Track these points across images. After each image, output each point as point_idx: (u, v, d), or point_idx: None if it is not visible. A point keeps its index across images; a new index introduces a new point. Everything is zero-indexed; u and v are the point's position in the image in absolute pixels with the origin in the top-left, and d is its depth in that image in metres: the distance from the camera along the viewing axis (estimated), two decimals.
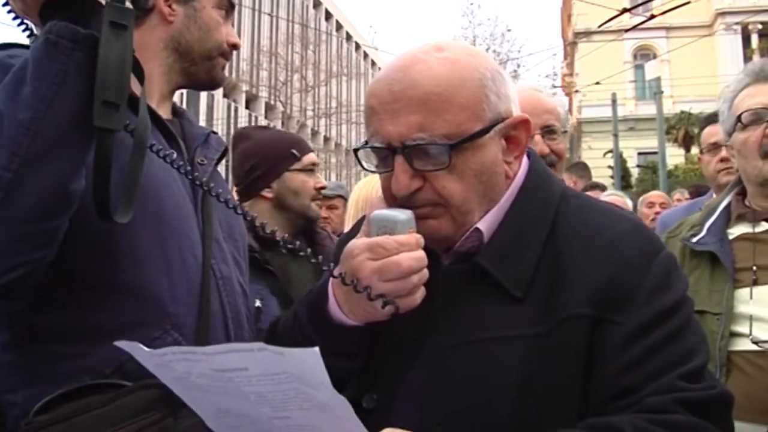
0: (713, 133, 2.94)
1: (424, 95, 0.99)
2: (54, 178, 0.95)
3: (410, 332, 1.03)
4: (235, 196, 2.91)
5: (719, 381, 1.26)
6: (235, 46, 1.40)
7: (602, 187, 5.62)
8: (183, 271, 1.18)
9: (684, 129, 26.03)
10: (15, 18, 1.01)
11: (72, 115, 0.94)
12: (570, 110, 34.68)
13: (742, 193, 1.77)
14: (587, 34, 26.39)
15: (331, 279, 1.04)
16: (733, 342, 1.55)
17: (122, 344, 0.82)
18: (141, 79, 1.06)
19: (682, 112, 27.23)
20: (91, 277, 1.10)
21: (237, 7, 1.46)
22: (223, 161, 1.45)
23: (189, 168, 1.10)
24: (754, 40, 30.24)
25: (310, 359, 0.74)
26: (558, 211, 1.07)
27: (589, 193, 4.89)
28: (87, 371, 1.06)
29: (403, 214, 1.00)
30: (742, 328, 1.55)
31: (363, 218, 1.09)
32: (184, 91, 1.48)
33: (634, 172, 27.79)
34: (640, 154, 29.41)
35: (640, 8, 15.99)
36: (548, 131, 1.93)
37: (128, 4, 0.98)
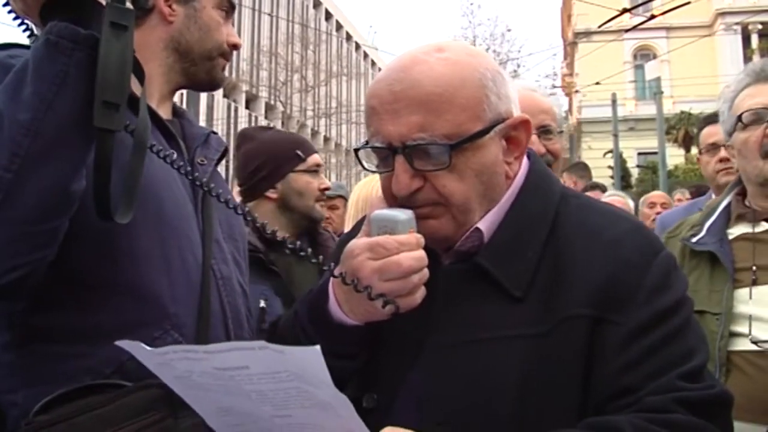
0: (712, 133, 2.95)
1: (425, 95, 0.99)
2: (54, 179, 0.95)
3: (410, 332, 1.03)
4: (237, 197, 2.92)
5: (719, 381, 1.26)
6: (235, 46, 1.40)
7: (602, 188, 5.63)
8: (183, 272, 1.18)
9: (684, 129, 26.03)
10: (15, 18, 1.01)
11: (72, 116, 0.94)
12: (570, 110, 34.72)
13: (742, 193, 1.77)
14: (587, 34, 26.40)
15: (331, 279, 1.05)
16: (732, 342, 1.55)
17: (123, 344, 0.82)
18: (141, 79, 1.06)
19: (682, 112, 27.23)
20: (91, 278, 1.10)
21: (237, 7, 1.46)
22: (223, 161, 1.45)
23: (189, 168, 1.10)
24: (754, 40, 30.24)
25: (311, 357, 0.74)
26: (558, 211, 1.07)
27: (589, 193, 4.90)
28: (87, 371, 1.05)
29: (404, 214, 1.00)
30: (741, 328, 1.55)
31: (363, 218, 1.09)
32: (184, 91, 1.48)
33: (634, 173, 27.79)
34: (640, 154, 29.41)
35: (640, 8, 15.99)
36: (544, 131, 1.93)
37: (129, 5, 0.97)
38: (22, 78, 0.94)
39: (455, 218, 1.04)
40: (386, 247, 0.97)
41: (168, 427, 0.97)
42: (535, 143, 1.89)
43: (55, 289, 1.07)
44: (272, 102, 36.02)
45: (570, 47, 33.84)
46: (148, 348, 0.81)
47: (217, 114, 32.82)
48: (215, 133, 1.46)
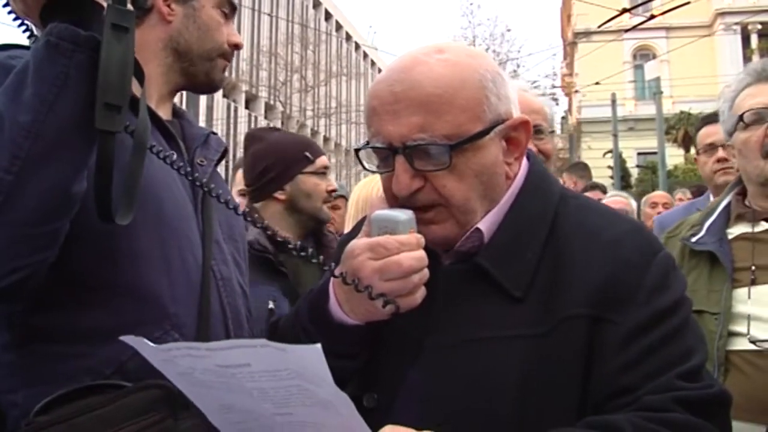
0: (709, 133, 2.95)
1: (425, 96, 0.99)
2: (55, 181, 0.95)
3: (411, 332, 1.04)
4: (238, 198, 2.92)
5: (717, 380, 1.27)
6: (236, 46, 1.39)
7: (602, 188, 5.63)
8: (183, 272, 1.18)
9: (683, 129, 26.02)
10: (15, 19, 1.01)
11: (73, 118, 0.94)
12: (570, 110, 34.74)
13: (742, 193, 1.77)
14: (587, 34, 26.41)
15: (332, 279, 1.05)
16: (731, 342, 1.55)
17: (128, 339, 0.83)
18: (141, 80, 1.06)
19: (682, 112, 27.23)
20: (91, 278, 1.10)
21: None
22: (223, 162, 1.45)
23: (189, 169, 1.10)
24: (754, 40, 30.25)
25: (312, 356, 0.74)
26: (557, 212, 1.08)
27: (588, 193, 4.91)
28: (87, 372, 1.05)
29: (404, 214, 1.01)
30: (740, 327, 1.55)
31: (364, 219, 1.10)
32: (184, 91, 1.48)
33: (634, 173, 27.79)
34: (639, 154, 29.42)
35: (640, 8, 16.00)
36: (535, 131, 1.94)
37: (129, 6, 0.97)
38: (23, 79, 0.94)
39: (455, 219, 1.04)
40: (387, 247, 0.97)
41: (168, 428, 0.97)
42: None
43: (56, 290, 1.07)
44: (272, 102, 36.02)
45: (570, 47, 33.85)
46: (152, 344, 0.81)
47: (216, 114, 32.82)
48: (215, 133, 1.46)
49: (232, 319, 1.26)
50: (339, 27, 47.84)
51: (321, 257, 1.03)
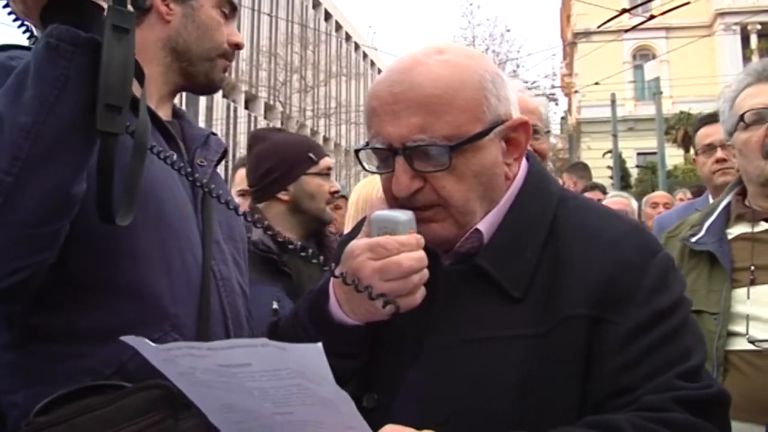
0: (708, 134, 2.95)
1: (425, 97, 0.99)
2: (55, 182, 0.95)
3: (410, 332, 1.04)
4: (237, 199, 2.92)
5: (716, 380, 1.27)
6: (237, 46, 1.39)
7: (602, 188, 5.64)
8: (183, 272, 1.18)
9: (683, 129, 26.00)
10: (15, 20, 1.01)
11: (73, 119, 0.94)
12: (569, 110, 34.72)
13: (742, 193, 1.77)
14: (586, 34, 26.40)
15: (332, 279, 1.05)
16: (730, 342, 1.56)
17: (129, 339, 0.83)
18: (141, 80, 1.06)
19: (682, 112, 27.22)
20: (91, 279, 1.10)
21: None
22: (223, 162, 1.45)
23: (189, 169, 1.10)
24: (753, 40, 30.25)
25: (312, 355, 0.74)
26: (557, 213, 1.08)
27: (588, 193, 4.91)
28: (87, 372, 1.05)
29: (404, 215, 1.01)
30: (739, 327, 1.55)
31: (364, 219, 1.10)
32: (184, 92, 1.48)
33: (634, 173, 27.79)
34: (639, 154, 29.42)
35: (640, 9, 16.01)
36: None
37: (129, 7, 0.97)
38: (23, 81, 0.94)
39: (455, 219, 1.04)
40: (387, 248, 0.97)
41: (168, 428, 0.97)
42: None
43: (56, 290, 1.07)
44: (271, 102, 36.01)
45: (569, 47, 33.85)
46: (153, 344, 0.81)
47: (216, 114, 32.81)
48: (215, 134, 1.45)
49: (232, 319, 1.26)
50: (339, 27, 47.84)
51: (321, 257, 1.03)
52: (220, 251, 1.29)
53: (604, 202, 4.63)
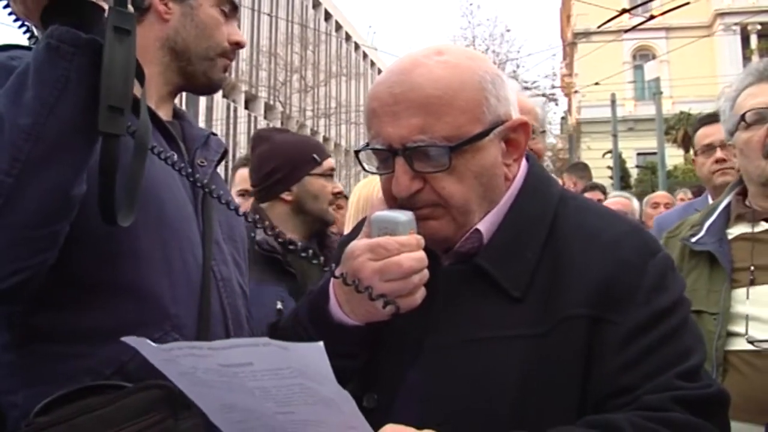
0: (707, 134, 2.95)
1: (425, 98, 0.99)
2: (55, 183, 0.95)
3: (410, 332, 1.04)
4: (237, 199, 2.92)
5: (716, 380, 1.27)
6: (238, 44, 1.38)
7: (602, 188, 5.64)
8: (184, 273, 1.18)
9: (683, 129, 25.96)
10: (16, 20, 1.01)
11: (74, 120, 0.94)
12: (569, 111, 34.72)
13: (743, 193, 1.77)
14: (586, 34, 26.40)
15: (332, 279, 1.05)
16: (729, 342, 1.56)
17: (129, 340, 0.83)
18: (142, 81, 1.06)
19: (682, 112, 27.21)
20: (92, 279, 1.10)
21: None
22: (223, 162, 1.45)
23: (190, 170, 1.10)
24: (753, 40, 30.25)
25: (314, 354, 0.74)
26: (557, 213, 1.08)
27: (588, 194, 4.91)
28: (87, 372, 1.05)
29: (404, 216, 1.01)
30: (738, 327, 1.55)
31: (364, 220, 1.10)
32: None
33: (634, 173, 27.79)
34: (639, 154, 29.41)
35: (640, 9, 16.01)
36: None
37: (130, 8, 0.97)
38: (23, 82, 0.94)
39: (455, 220, 1.04)
40: (387, 248, 0.97)
41: (168, 428, 0.97)
42: None
43: (56, 291, 1.07)
44: (271, 102, 36.01)
45: (569, 47, 33.85)
46: (154, 344, 0.81)
47: (216, 114, 32.79)
48: (215, 134, 1.45)
49: (232, 319, 1.26)
50: (339, 27, 47.82)
51: (322, 258, 1.03)
52: (220, 251, 1.29)
53: (605, 203, 4.63)
